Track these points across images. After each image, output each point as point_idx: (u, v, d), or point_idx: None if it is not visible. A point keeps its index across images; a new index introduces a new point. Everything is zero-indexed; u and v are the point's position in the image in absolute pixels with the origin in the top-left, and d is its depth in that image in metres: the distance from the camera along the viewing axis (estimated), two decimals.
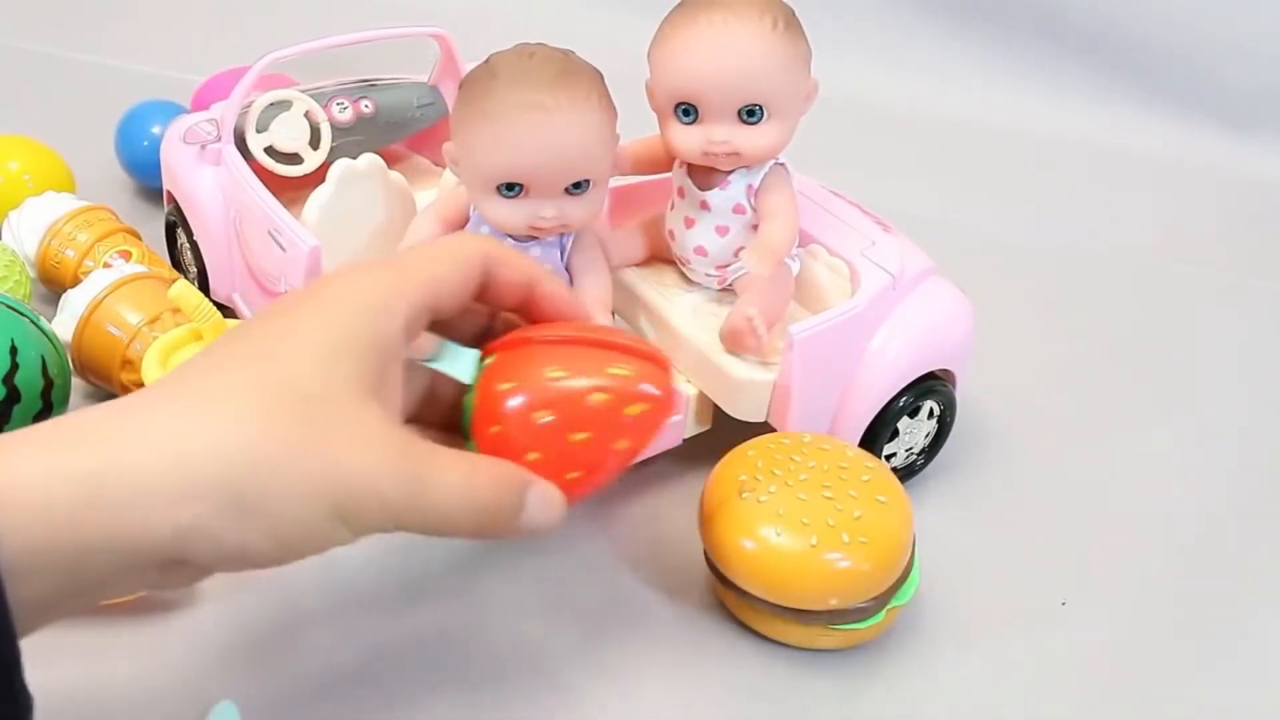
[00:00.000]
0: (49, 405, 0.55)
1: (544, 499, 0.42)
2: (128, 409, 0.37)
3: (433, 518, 0.39)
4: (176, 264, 0.71)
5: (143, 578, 0.37)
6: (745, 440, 0.55)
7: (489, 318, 0.48)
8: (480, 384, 0.43)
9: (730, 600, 0.52)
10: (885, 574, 0.50)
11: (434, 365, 0.44)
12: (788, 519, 0.49)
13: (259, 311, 0.39)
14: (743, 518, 0.50)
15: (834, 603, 0.49)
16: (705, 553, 0.52)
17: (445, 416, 0.46)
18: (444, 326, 0.45)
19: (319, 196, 0.62)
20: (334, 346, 0.39)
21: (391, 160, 0.67)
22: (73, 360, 0.59)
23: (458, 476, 0.40)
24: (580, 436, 0.43)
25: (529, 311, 0.46)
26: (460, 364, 0.44)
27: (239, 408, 0.37)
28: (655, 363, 0.45)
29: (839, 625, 0.50)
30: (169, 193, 0.70)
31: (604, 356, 0.44)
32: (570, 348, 0.44)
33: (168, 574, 0.37)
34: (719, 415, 0.60)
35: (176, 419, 0.36)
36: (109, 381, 0.60)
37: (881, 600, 0.51)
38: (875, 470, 0.52)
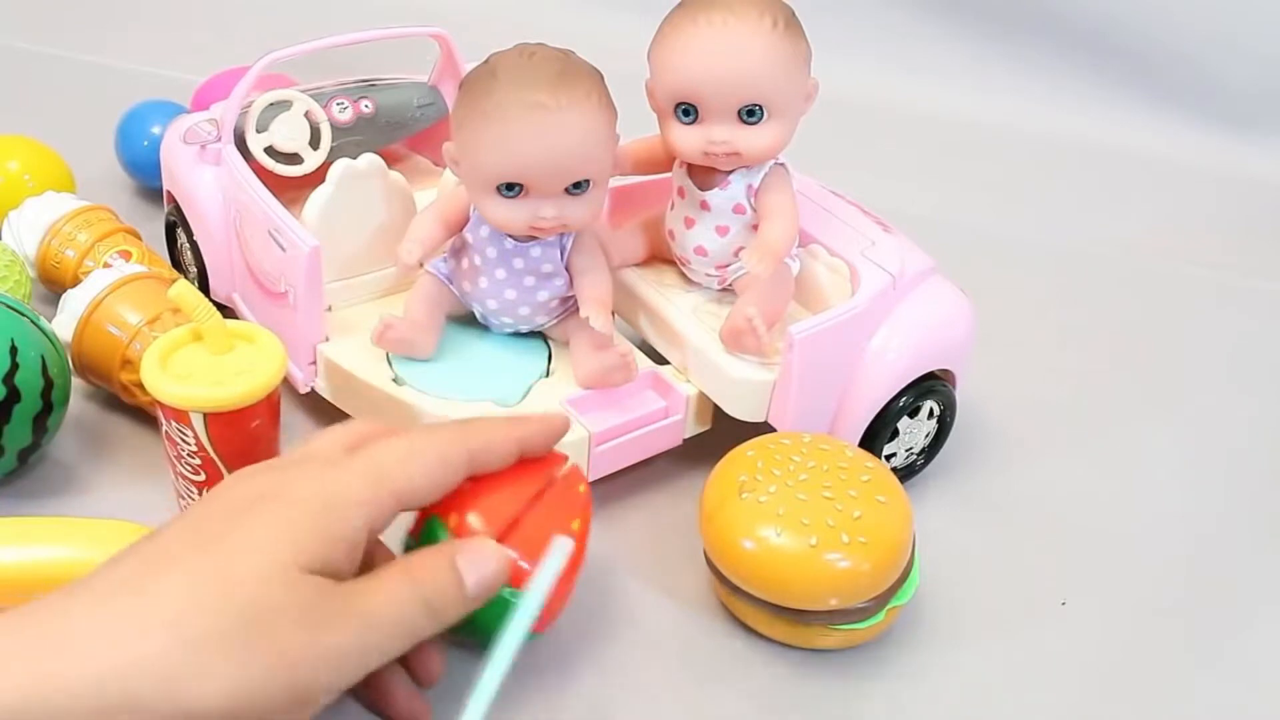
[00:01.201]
0: (49, 405, 0.55)
1: (474, 557, 0.43)
2: (65, 614, 0.37)
3: (392, 638, 0.41)
4: (176, 264, 0.71)
5: None
6: (745, 440, 0.55)
7: None
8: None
9: (730, 600, 0.52)
10: (885, 574, 0.50)
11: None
12: (788, 519, 0.49)
13: (217, 504, 0.41)
14: (743, 518, 0.50)
15: (834, 603, 0.49)
16: (705, 553, 0.52)
17: None
18: None
19: (319, 196, 0.62)
20: (280, 551, 0.39)
21: (391, 160, 0.67)
22: (73, 360, 0.59)
23: (394, 588, 0.41)
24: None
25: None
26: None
27: (182, 617, 0.37)
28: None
29: (839, 625, 0.50)
30: (169, 193, 0.70)
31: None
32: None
33: None
34: (719, 415, 0.60)
35: (115, 625, 0.36)
36: (109, 382, 0.60)
37: (881, 600, 0.51)
38: (875, 470, 0.52)
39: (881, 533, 0.49)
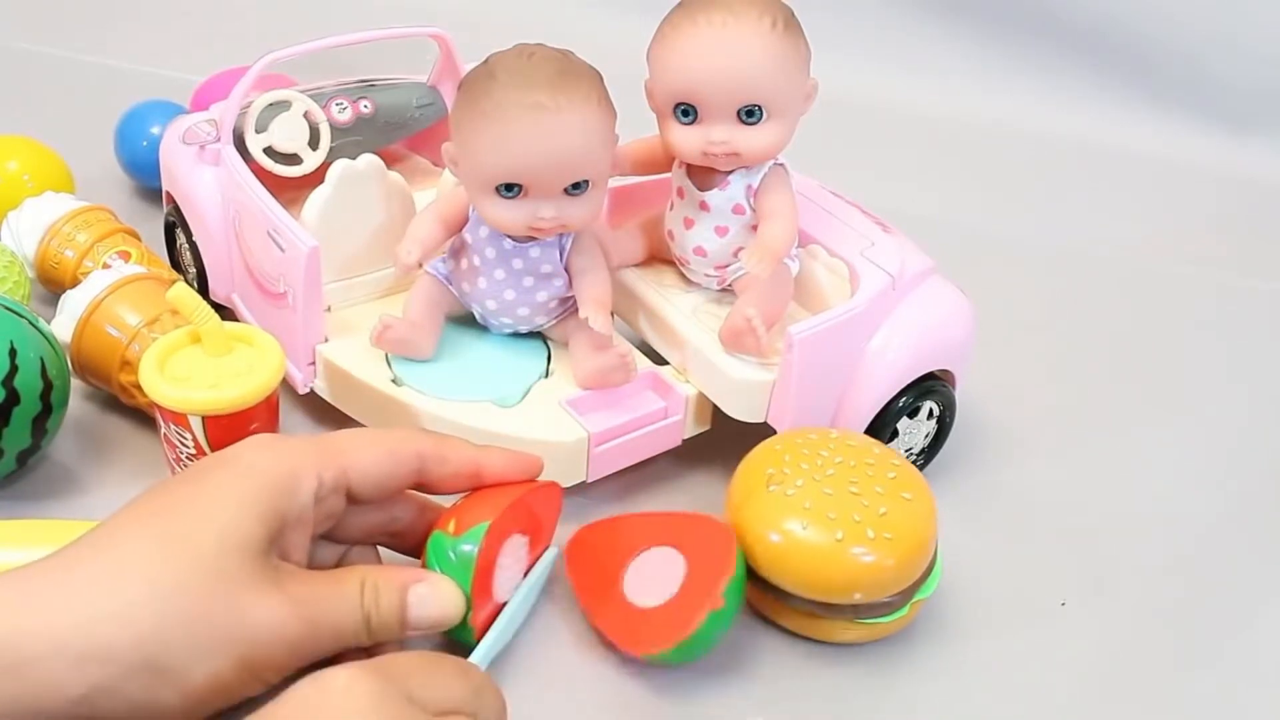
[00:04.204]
0: (48, 407, 0.55)
1: (428, 594, 0.45)
2: (42, 573, 0.39)
3: (334, 640, 0.42)
4: (175, 264, 0.71)
5: None
6: (744, 441, 0.55)
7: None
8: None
9: (753, 593, 0.52)
10: (909, 569, 0.50)
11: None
12: (814, 513, 0.49)
13: (176, 475, 0.45)
14: (769, 511, 0.50)
15: (858, 597, 0.50)
16: None
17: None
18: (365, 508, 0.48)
19: (318, 197, 0.62)
20: (235, 512, 0.41)
21: (391, 160, 0.67)
22: (72, 362, 0.59)
23: (344, 594, 0.43)
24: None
25: (481, 485, 0.49)
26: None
27: (148, 573, 0.39)
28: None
29: (863, 619, 0.51)
30: (168, 193, 0.70)
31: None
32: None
33: None
34: (718, 416, 0.60)
35: (89, 584, 0.39)
36: (108, 383, 0.60)
37: (906, 595, 0.51)
38: (901, 467, 0.52)
39: (906, 529, 0.50)
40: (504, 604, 0.49)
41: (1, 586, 0.38)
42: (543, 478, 0.51)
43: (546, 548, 0.52)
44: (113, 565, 0.39)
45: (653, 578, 0.50)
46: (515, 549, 0.49)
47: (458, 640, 0.47)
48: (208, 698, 0.40)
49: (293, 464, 0.43)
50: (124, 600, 0.38)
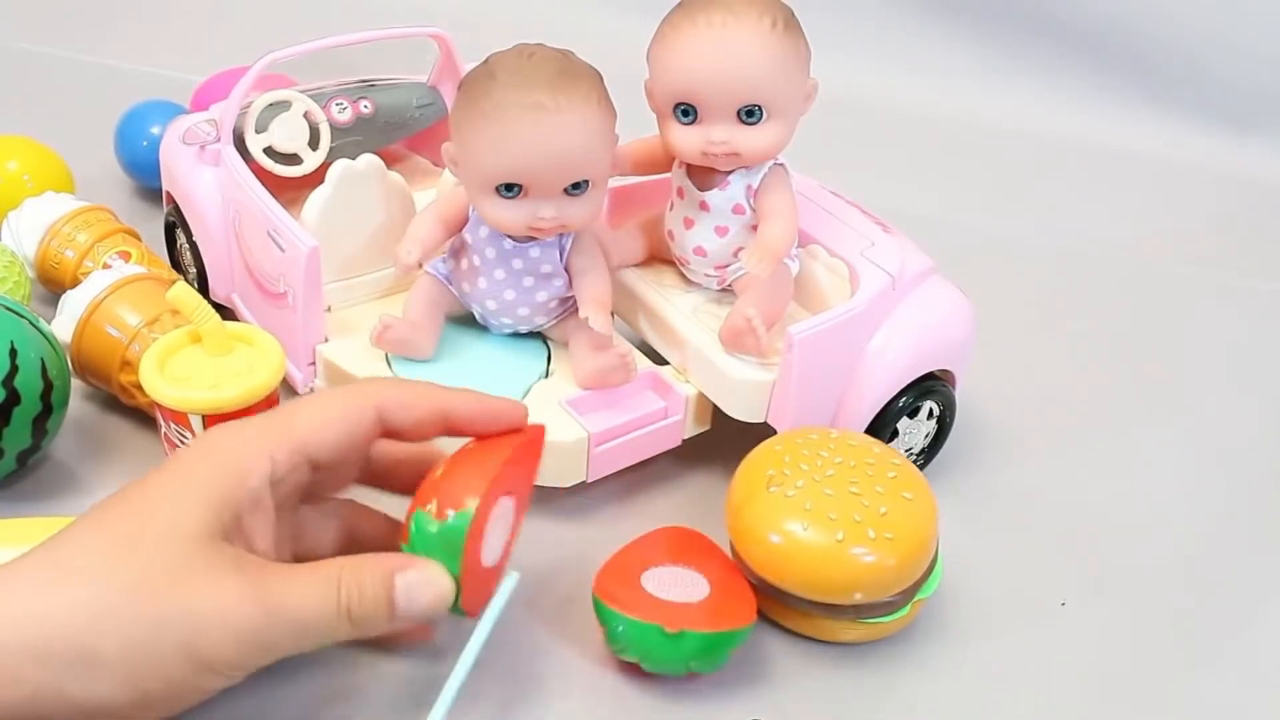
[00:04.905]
0: (49, 407, 0.55)
1: (417, 579, 0.43)
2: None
3: (301, 633, 0.41)
4: (176, 264, 0.71)
5: None
6: (744, 441, 0.55)
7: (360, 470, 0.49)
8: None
9: (755, 594, 0.52)
10: (910, 570, 0.50)
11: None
12: (814, 514, 0.49)
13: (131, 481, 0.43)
14: (770, 512, 0.50)
15: (859, 597, 0.50)
16: (731, 546, 0.53)
17: (374, 548, 0.46)
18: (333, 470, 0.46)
19: (318, 197, 0.62)
20: (183, 499, 0.40)
21: (391, 160, 0.67)
22: (72, 362, 0.59)
23: (316, 585, 0.41)
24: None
25: (456, 433, 0.47)
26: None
27: (86, 562, 0.38)
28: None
29: (864, 619, 0.51)
30: (168, 193, 0.70)
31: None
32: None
33: None
34: (718, 416, 0.60)
35: (31, 586, 0.38)
36: (108, 383, 0.60)
37: (907, 594, 0.51)
38: (901, 467, 0.52)
39: (907, 528, 0.50)
40: (492, 568, 0.47)
41: None
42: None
43: (528, 497, 0.50)
44: (58, 566, 0.39)
45: (674, 586, 0.50)
46: (502, 513, 0.47)
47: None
48: (156, 692, 0.38)
49: (242, 449, 0.42)
50: (64, 599, 0.38)
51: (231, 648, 0.39)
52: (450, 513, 0.44)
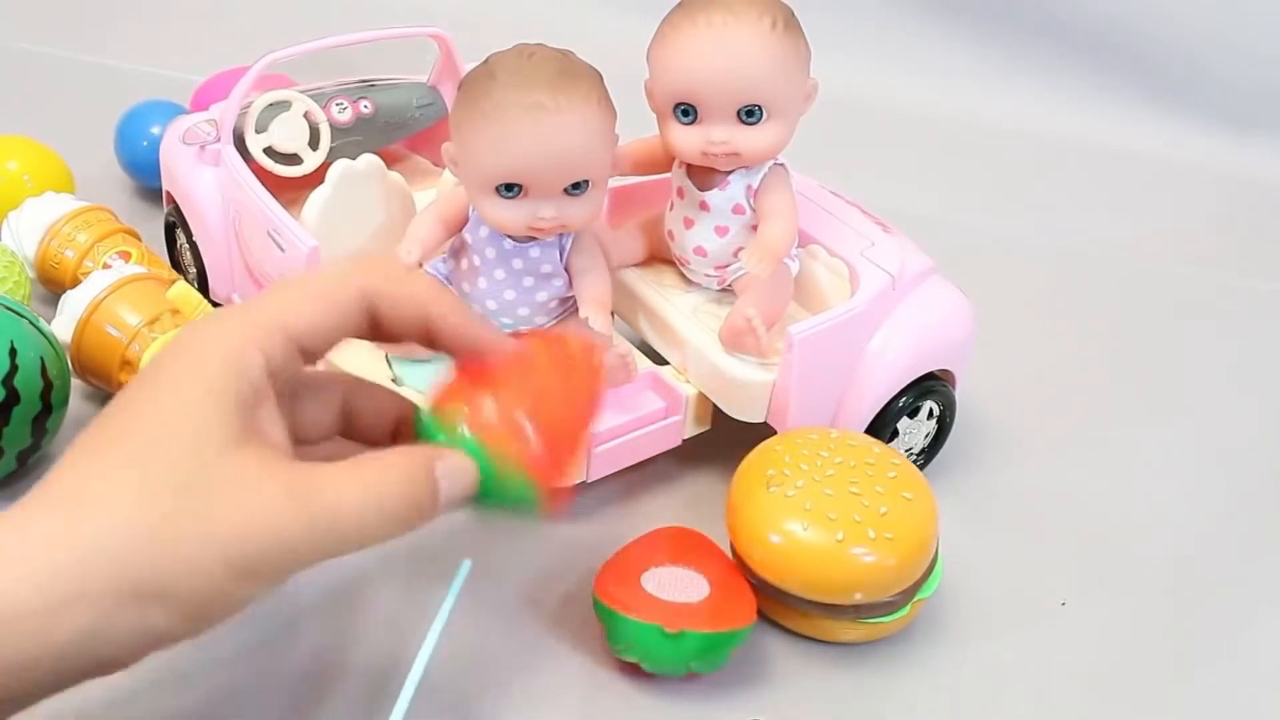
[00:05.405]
0: (48, 407, 0.55)
1: (454, 469, 0.41)
2: (9, 522, 0.36)
3: (350, 536, 0.39)
4: (176, 264, 0.71)
5: (58, 685, 0.36)
6: (744, 441, 0.55)
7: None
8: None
9: (756, 594, 0.52)
10: (910, 570, 0.50)
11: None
12: (814, 514, 0.49)
13: (121, 392, 0.40)
14: (770, 512, 0.50)
15: (858, 597, 0.50)
16: (731, 546, 0.53)
17: (373, 429, 0.45)
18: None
19: (318, 197, 0.62)
20: (194, 406, 0.37)
21: (391, 160, 0.67)
22: (72, 361, 0.59)
23: (359, 486, 0.39)
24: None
25: (435, 345, 0.44)
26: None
27: (111, 495, 0.36)
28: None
29: (865, 619, 0.51)
30: (168, 193, 0.70)
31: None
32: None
33: (86, 676, 0.36)
34: (718, 416, 0.60)
35: (49, 525, 0.36)
36: (108, 383, 0.60)
37: (908, 594, 0.51)
38: (901, 467, 0.52)
39: (907, 528, 0.50)
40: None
41: None
42: None
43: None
44: (72, 501, 0.36)
45: (674, 586, 0.50)
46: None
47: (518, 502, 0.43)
48: (208, 613, 0.37)
49: (237, 340, 0.39)
50: (89, 533, 0.35)
51: (276, 558, 0.37)
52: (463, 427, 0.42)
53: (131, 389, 0.39)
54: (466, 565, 0.45)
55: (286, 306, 0.41)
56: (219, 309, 0.42)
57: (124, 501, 0.36)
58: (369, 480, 0.39)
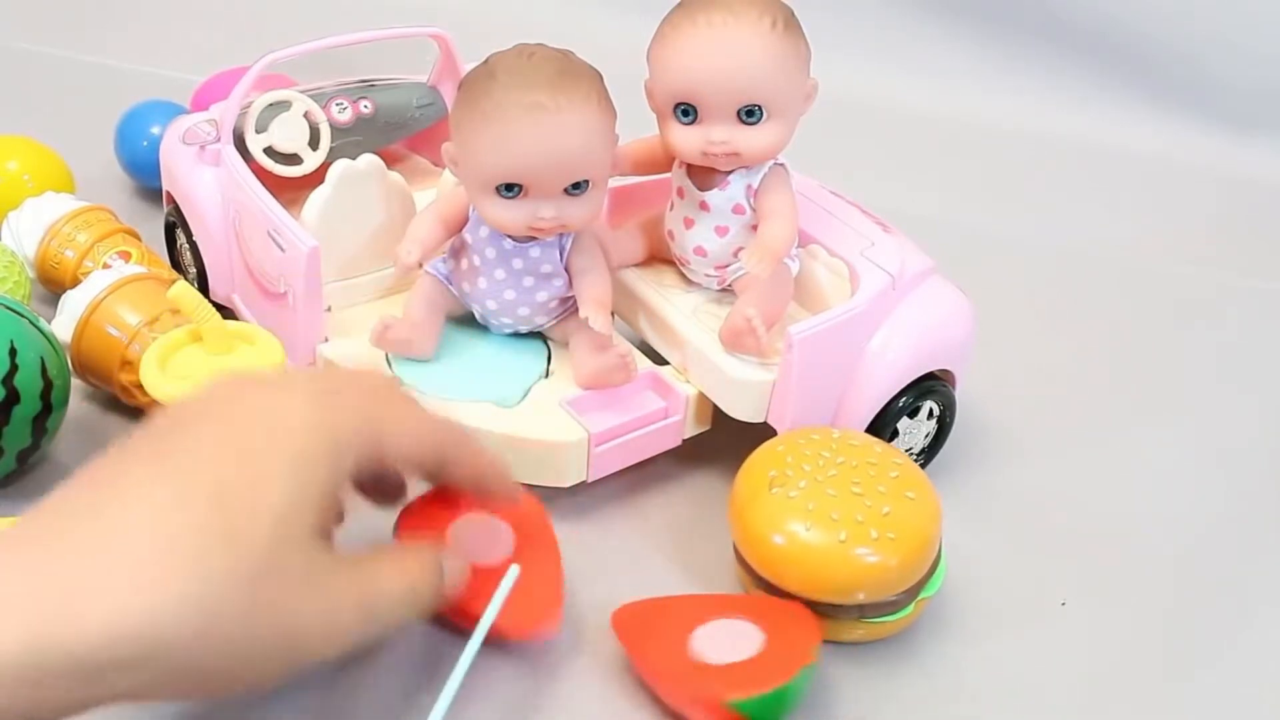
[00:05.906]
0: (48, 407, 0.55)
1: (453, 567, 0.45)
2: (73, 554, 0.34)
3: (389, 624, 0.42)
4: (176, 264, 0.71)
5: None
6: (744, 441, 0.55)
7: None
8: None
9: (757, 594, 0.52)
10: (913, 569, 0.50)
11: None
12: (817, 514, 0.49)
13: (211, 418, 0.39)
14: (772, 513, 0.50)
15: (861, 597, 0.50)
16: (734, 547, 0.53)
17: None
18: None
19: (318, 197, 0.62)
20: (294, 493, 0.37)
21: (391, 160, 0.67)
22: (72, 361, 0.59)
23: (397, 582, 0.42)
24: None
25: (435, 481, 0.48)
26: None
27: (199, 563, 0.34)
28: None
29: (868, 619, 0.51)
30: (168, 193, 0.70)
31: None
32: None
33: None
34: (718, 416, 0.60)
35: (126, 570, 0.34)
36: (108, 383, 0.60)
37: (911, 593, 0.51)
38: (904, 466, 0.52)
39: (910, 528, 0.50)
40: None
41: (27, 571, 0.34)
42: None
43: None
44: (158, 545, 0.34)
45: (726, 643, 0.48)
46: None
47: None
48: (249, 684, 0.38)
49: (340, 435, 0.39)
50: (171, 594, 0.33)
51: (333, 649, 0.39)
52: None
53: (221, 437, 0.38)
54: (514, 571, 0.47)
55: (393, 424, 0.42)
56: (311, 373, 0.43)
57: (192, 567, 0.34)
58: (404, 575, 0.42)
